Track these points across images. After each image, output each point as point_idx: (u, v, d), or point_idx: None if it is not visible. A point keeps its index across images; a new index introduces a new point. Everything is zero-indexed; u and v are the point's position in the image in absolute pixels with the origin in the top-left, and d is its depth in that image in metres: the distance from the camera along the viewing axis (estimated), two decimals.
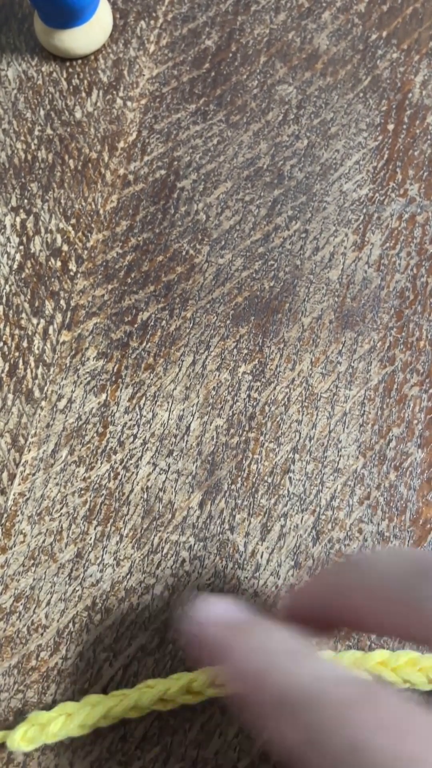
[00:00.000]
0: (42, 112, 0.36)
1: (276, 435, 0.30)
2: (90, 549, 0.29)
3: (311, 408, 0.31)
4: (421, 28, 0.38)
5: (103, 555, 0.29)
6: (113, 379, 0.31)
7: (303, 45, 0.38)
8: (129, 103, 0.37)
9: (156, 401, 0.31)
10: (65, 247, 0.34)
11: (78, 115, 0.36)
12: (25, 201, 0.35)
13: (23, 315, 0.32)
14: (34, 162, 0.35)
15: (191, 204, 0.34)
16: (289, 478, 0.30)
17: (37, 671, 0.27)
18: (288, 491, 0.29)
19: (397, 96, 0.37)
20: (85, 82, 0.37)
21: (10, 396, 0.31)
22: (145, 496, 0.29)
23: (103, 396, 0.31)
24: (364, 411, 0.31)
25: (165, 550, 0.29)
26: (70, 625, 0.28)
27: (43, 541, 0.29)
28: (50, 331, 0.32)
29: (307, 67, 0.37)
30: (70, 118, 0.36)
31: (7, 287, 0.33)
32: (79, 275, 0.33)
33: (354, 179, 0.35)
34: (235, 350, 0.32)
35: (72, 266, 0.33)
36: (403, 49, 0.38)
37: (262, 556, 0.28)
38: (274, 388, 0.31)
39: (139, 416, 0.31)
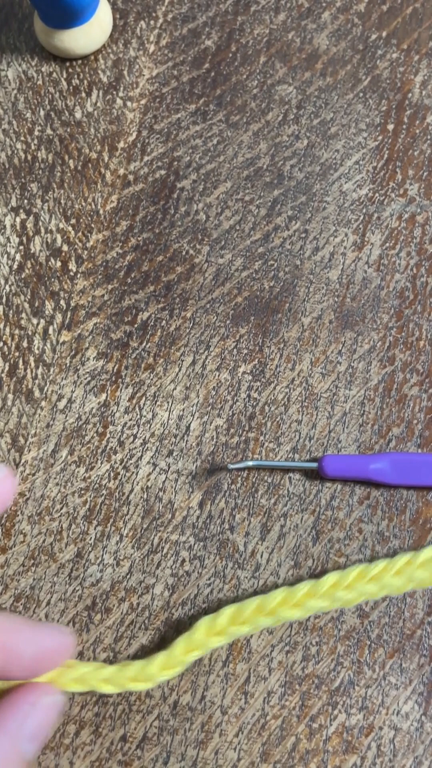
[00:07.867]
0: (42, 113, 0.36)
1: (276, 435, 0.30)
2: (90, 549, 0.29)
3: (311, 408, 0.31)
4: (420, 28, 0.38)
5: (103, 555, 0.29)
6: (113, 379, 0.31)
7: (303, 45, 0.38)
8: (129, 104, 0.37)
9: (156, 401, 0.31)
10: (65, 248, 0.34)
11: (78, 115, 0.36)
12: (25, 201, 0.35)
13: (23, 315, 0.32)
14: (34, 162, 0.35)
15: (191, 204, 0.34)
16: (289, 477, 0.30)
17: None
18: (288, 491, 0.29)
19: (396, 96, 0.37)
20: (85, 82, 0.37)
21: (10, 396, 0.31)
22: (145, 496, 0.29)
23: (103, 396, 0.31)
24: (364, 411, 0.31)
25: (165, 550, 0.29)
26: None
27: (43, 541, 0.29)
28: (50, 331, 0.32)
29: (306, 67, 0.37)
30: (70, 119, 0.36)
31: (7, 287, 0.33)
32: (79, 275, 0.33)
33: (354, 179, 0.35)
34: (235, 350, 0.32)
35: (72, 266, 0.33)
36: (402, 49, 0.38)
37: (261, 556, 0.28)
38: (274, 388, 0.31)
39: (139, 416, 0.31)
